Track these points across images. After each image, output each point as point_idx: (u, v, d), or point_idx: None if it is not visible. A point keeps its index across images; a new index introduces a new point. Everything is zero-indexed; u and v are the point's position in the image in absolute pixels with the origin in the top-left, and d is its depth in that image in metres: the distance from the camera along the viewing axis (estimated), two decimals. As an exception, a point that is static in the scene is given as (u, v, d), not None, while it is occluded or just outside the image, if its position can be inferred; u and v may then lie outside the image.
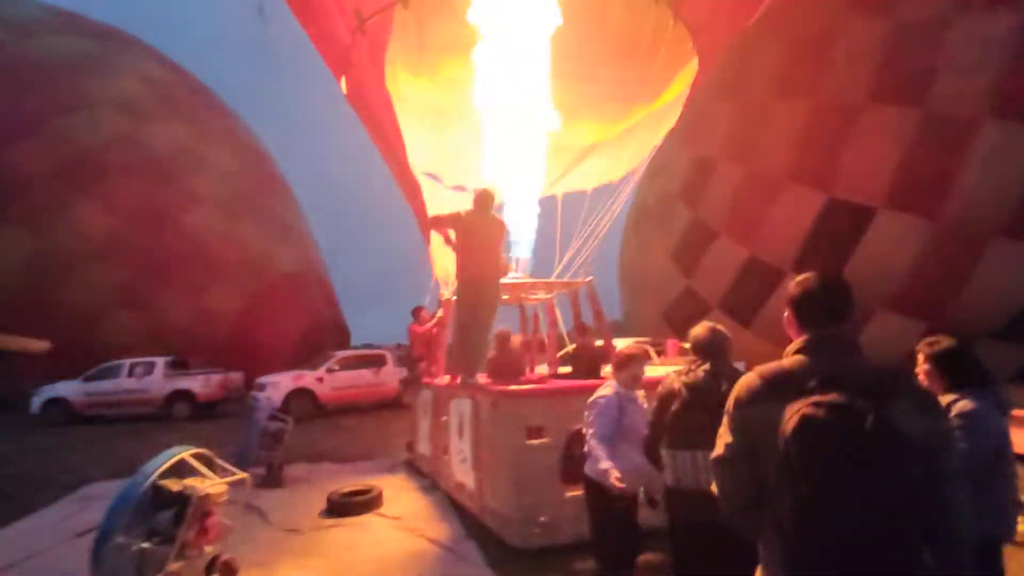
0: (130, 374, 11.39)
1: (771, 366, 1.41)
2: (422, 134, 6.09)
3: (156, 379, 11.34)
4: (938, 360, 2.12)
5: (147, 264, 14.93)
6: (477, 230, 4.77)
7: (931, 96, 8.87)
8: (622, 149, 6.91)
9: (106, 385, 11.35)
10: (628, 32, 5.72)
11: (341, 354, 12.46)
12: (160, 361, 11.61)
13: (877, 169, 9.45)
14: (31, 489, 5.95)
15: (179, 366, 11.89)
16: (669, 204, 14.19)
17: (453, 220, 4.84)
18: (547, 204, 6.89)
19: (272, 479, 5.49)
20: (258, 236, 17.11)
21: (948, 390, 2.05)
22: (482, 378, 4.80)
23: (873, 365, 1.33)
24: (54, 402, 11.17)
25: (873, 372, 1.28)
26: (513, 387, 4.17)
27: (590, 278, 5.84)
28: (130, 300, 14.77)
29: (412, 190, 6.20)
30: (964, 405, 1.96)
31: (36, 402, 11.29)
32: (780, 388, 1.30)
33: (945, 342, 2.15)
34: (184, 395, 11.57)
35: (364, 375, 11.87)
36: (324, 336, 17.19)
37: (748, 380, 1.41)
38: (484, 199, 4.89)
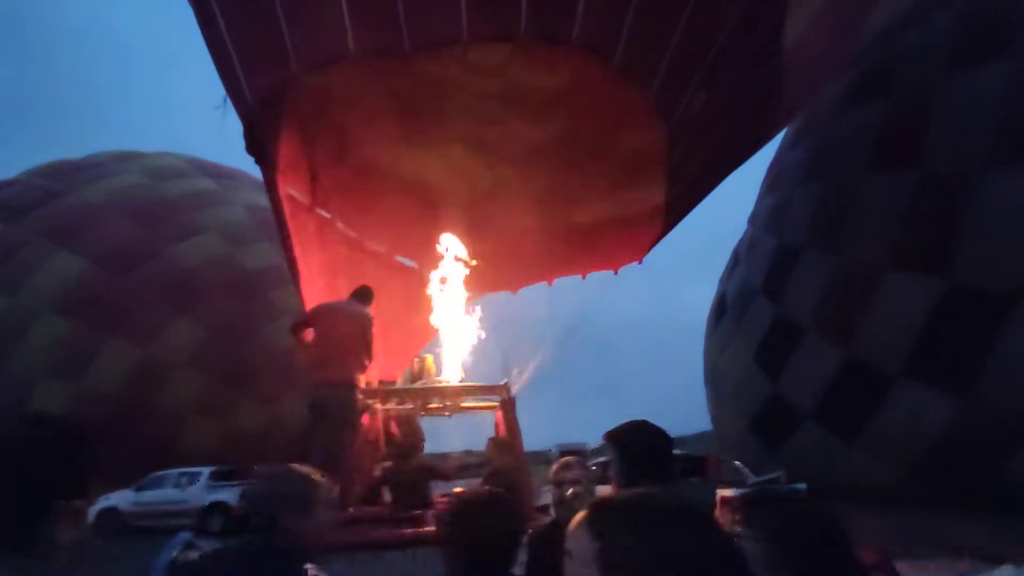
0: (176, 484, 11.52)
1: None
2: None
3: (197, 490, 11.36)
4: None
5: (228, 373, 15.80)
6: (325, 321, 4.02)
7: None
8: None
9: (153, 495, 11.55)
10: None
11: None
12: (205, 471, 11.67)
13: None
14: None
15: (224, 476, 11.85)
16: (750, 297, 12.55)
17: (311, 313, 4.15)
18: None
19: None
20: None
21: None
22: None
23: None
24: (108, 512, 11.48)
25: None
26: None
27: (504, 380, 4.74)
28: (210, 407, 15.54)
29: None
30: None
31: (92, 511, 11.67)
32: None
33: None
34: (219, 507, 11.33)
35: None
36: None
37: None
38: (359, 292, 4.22)
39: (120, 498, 11.71)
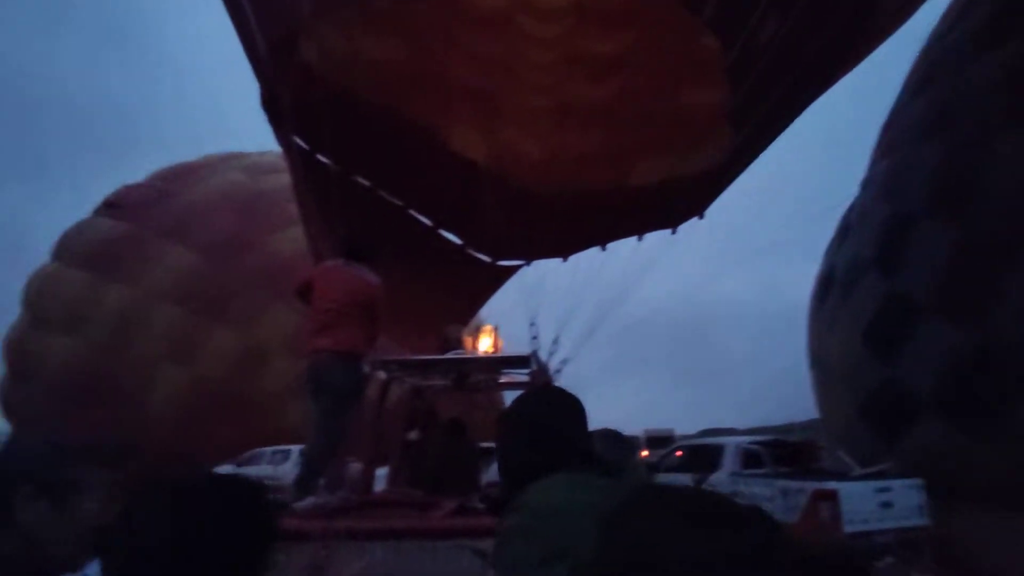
0: (270, 461, 12.16)
1: None
2: None
3: (288, 467, 11.90)
4: None
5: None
6: (321, 283, 3.71)
7: None
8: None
9: (252, 471, 12.26)
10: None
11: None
12: (295, 449, 12.20)
13: None
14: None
15: (313, 455, 12.33)
16: (860, 271, 11.22)
17: (312, 274, 3.87)
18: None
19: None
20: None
21: None
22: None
23: None
24: (213, 486, 12.32)
25: None
26: None
27: (533, 350, 4.26)
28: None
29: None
30: None
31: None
32: None
33: None
34: (309, 485, 11.69)
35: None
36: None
37: None
38: (354, 248, 3.87)
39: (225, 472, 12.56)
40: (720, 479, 7.04)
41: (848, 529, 5.78)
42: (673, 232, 5.48)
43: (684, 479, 7.44)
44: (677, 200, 5.05)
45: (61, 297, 18.10)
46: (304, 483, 3.45)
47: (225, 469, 12.72)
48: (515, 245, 5.71)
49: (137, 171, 23.06)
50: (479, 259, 5.86)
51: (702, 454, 7.69)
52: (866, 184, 12.20)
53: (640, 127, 4.54)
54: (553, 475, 1.08)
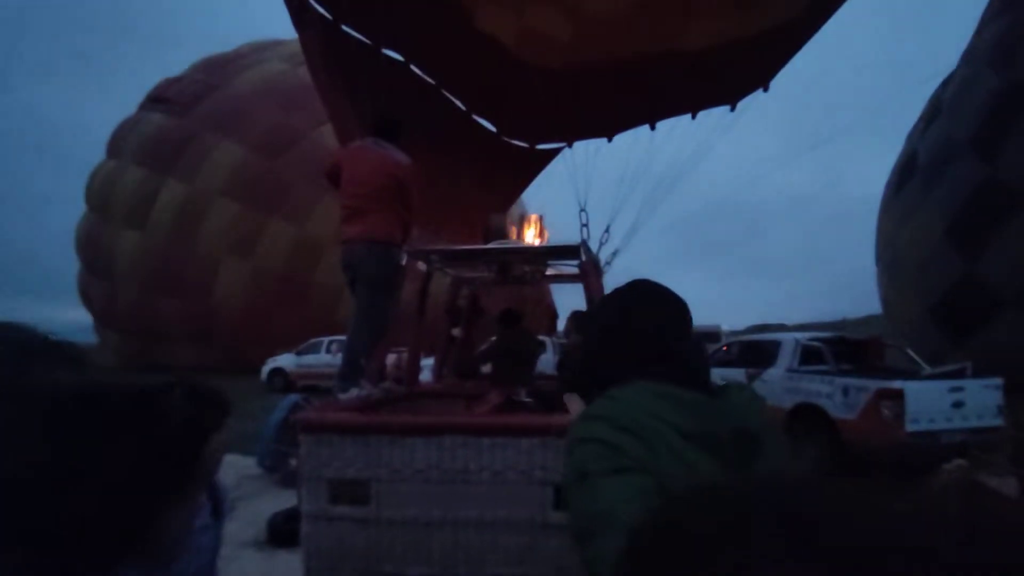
0: (327, 350, 12.72)
1: None
2: None
3: (343, 358, 12.41)
4: None
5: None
6: (348, 165, 3.43)
7: None
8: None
9: (311, 359, 12.90)
10: None
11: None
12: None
13: None
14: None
15: (368, 345, 12.82)
16: (951, 156, 10.13)
17: (339, 156, 3.60)
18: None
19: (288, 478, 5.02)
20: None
21: None
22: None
23: None
24: (276, 372, 13.12)
25: None
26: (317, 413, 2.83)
27: (582, 240, 3.90)
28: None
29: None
30: None
31: (264, 371, 13.44)
32: None
33: None
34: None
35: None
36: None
37: None
38: (382, 126, 3.54)
39: (285, 360, 13.36)
40: (776, 375, 6.81)
41: (911, 428, 5.53)
42: (732, 109, 4.77)
43: (736, 374, 7.26)
44: (736, 68, 4.31)
45: (122, 193, 18.71)
46: (346, 375, 3.41)
47: (286, 358, 13.44)
48: (554, 128, 5.19)
49: (173, 64, 22.70)
50: (516, 144, 5.41)
51: (756, 350, 7.41)
52: (969, 55, 10.63)
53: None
54: (641, 381, 0.93)
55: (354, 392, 3.36)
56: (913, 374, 6.18)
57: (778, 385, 6.69)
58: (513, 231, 4.50)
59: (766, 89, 4.85)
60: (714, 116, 4.68)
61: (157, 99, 20.64)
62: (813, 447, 6.24)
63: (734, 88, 4.73)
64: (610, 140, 5.22)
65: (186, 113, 19.28)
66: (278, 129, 18.60)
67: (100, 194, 19.37)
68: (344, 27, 4.15)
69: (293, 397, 5.75)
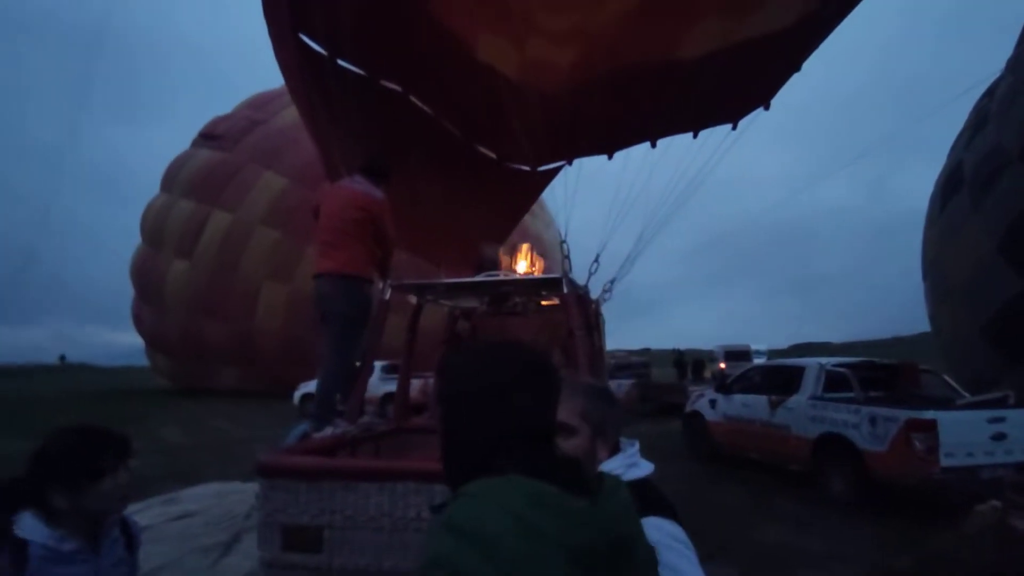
0: (355, 375, 12.88)
1: None
2: None
3: (374, 381, 12.50)
4: None
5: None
6: (326, 202, 3.49)
7: None
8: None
9: (341, 383, 13.08)
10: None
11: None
12: (378, 365, 12.77)
13: None
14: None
15: (394, 369, 12.90)
16: (1000, 166, 9.57)
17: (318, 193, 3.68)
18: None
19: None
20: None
21: None
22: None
23: None
24: (308, 396, 13.34)
25: None
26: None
27: (565, 272, 3.77)
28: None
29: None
30: None
31: (296, 395, 13.70)
32: None
33: None
34: (391, 398, 12.31)
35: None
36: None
37: None
38: (368, 165, 3.60)
39: (309, 386, 13.60)
40: (799, 403, 6.44)
41: (945, 463, 5.10)
42: (734, 128, 4.56)
43: (759, 401, 6.91)
44: (734, 82, 4.10)
45: (173, 225, 19.71)
46: (319, 414, 3.41)
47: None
48: (554, 148, 5.13)
49: (226, 104, 23.95)
50: (516, 169, 5.37)
51: (779, 375, 7.04)
52: (1014, 62, 10.05)
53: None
54: (502, 475, 0.74)
55: (328, 430, 3.36)
56: (948, 403, 5.73)
57: (802, 413, 6.33)
58: (506, 261, 4.46)
59: (767, 107, 4.66)
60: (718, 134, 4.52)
61: (207, 136, 21.79)
62: (839, 481, 5.86)
63: (735, 105, 4.57)
64: (610, 158, 5.13)
65: (233, 148, 20.26)
66: (317, 161, 19.25)
67: (153, 226, 20.47)
68: (340, 61, 4.25)
69: (303, 426, 5.79)
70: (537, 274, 4.42)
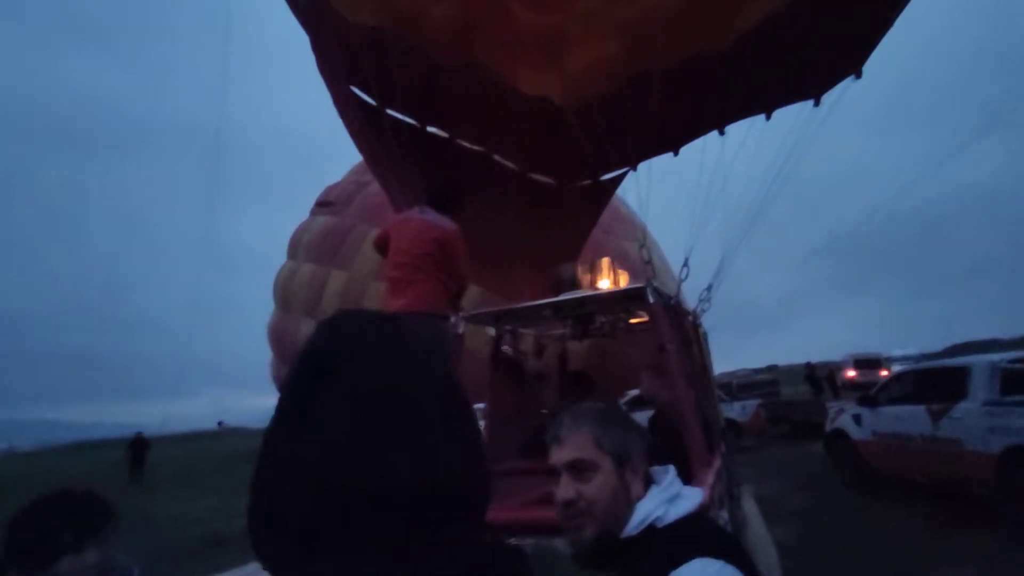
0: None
1: None
2: None
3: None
4: None
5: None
6: (395, 236, 3.33)
7: None
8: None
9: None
10: None
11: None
12: (479, 406, 12.74)
13: None
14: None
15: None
16: None
17: (388, 228, 3.54)
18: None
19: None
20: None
21: None
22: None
23: None
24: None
25: None
26: None
27: (647, 281, 3.29)
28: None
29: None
30: None
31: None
32: None
33: None
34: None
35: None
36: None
37: None
38: (434, 196, 3.43)
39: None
40: (971, 410, 5.34)
41: None
42: (816, 104, 3.89)
43: (916, 412, 5.84)
44: (810, 49, 3.50)
45: (299, 288, 21.48)
46: None
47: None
48: (615, 154, 4.82)
49: (337, 174, 26.12)
50: (578, 186, 5.10)
51: (938, 379, 5.91)
52: None
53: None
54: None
55: None
56: None
57: (976, 423, 5.23)
58: (586, 279, 4.16)
59: (859, 75, 4.00)
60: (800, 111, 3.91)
61: (322, 203, 23.80)
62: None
63: (815, 76, 3.97)
64: (676, 154, 4.71)
65: (343, 211, 21.91)
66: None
67: (283, 291, 22.43)
68: (389, 111, 4.32)
69: None
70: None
